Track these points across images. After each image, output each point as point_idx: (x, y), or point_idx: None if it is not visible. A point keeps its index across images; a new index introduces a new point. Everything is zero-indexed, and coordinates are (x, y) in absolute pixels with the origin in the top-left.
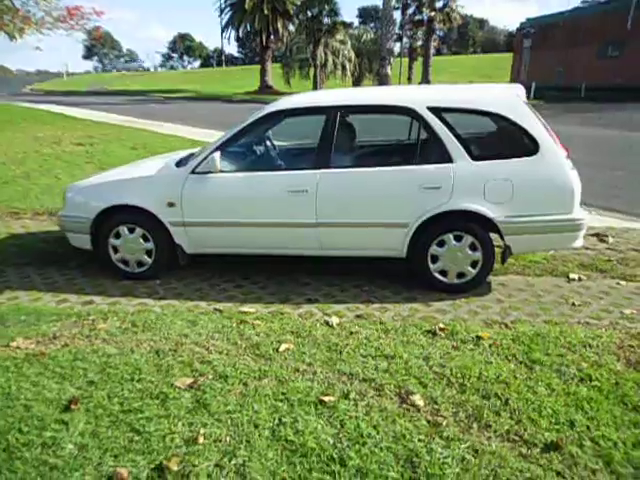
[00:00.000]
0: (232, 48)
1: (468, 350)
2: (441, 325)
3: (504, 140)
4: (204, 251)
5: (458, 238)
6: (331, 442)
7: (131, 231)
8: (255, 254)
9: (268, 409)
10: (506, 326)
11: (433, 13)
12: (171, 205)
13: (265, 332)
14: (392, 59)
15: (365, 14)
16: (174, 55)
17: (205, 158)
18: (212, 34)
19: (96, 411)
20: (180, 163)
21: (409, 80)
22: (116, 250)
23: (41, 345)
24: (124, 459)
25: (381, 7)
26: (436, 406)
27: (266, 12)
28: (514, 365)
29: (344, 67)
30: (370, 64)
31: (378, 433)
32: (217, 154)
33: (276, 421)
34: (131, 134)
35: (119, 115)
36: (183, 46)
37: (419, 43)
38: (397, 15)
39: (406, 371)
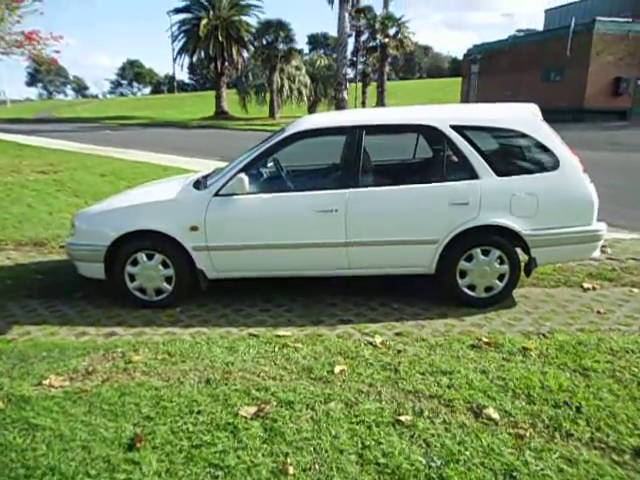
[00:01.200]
0: (183, 75)
1: (520, 362)
2: (484, 339)
3: (526, 156)
4: (227, 276)
5: (485, 252)
6: (424, 462)
7: (150, 257)
8: (279, 276)
9: (346, 433)
10: (544, 336)
11: (387, 40)
12: (194, 229)
13: (311, 355)
14: (348, 84)
15: (314, 41)
16: (123, 82)
17: (229, 180)
18: (162, 61)
19: (164, 448)
20: (198, 186)
21: (363, 104)
22: (133, 278)
23: (76, 381)
24: None
25: (336, 34)
26: (512, 418)
27: (221, 39)
28: (569, 374)
29: (300, 92)
30: (325, 89)
31: (467, 449)
32: (243, 175)
33: (359, 445)
34: (95, 161)
35: (75, 142)
36: (132, 72)
37: (369, 69)
38: (350, 42)
39: (469, 385)
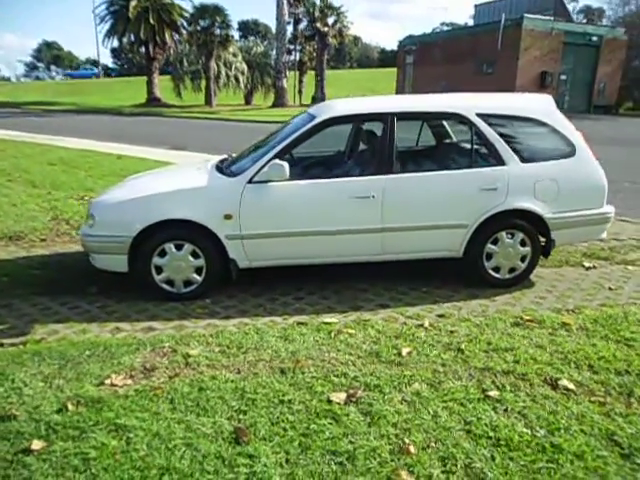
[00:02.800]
0: (106, 59)
1: (566, 336)
2: (524, 317)
3: (546, 144)
4: (259, 265)
5: (510, 235)
6: (529, 433)
7: (178, 248)
8: (311, 264)
9: (444, 411)
10: (573, 312)
11: (326, 28)
12: (228, 217)
13: (369, 339)
14: (287, 72)
15: (245, 28)
16: (40, 65)
17: (263, 167)
18: (81, 43)
19: (273, 439)
20: (223, 172)
21: (300, 93)
22: (159, 270)
23: (139, 379)
24: None
25: (267, 22)
26: (586, 388)
27: (152, 22)
28: (615, 345)
29: (237, 79)
30: (262, 77)
31: (561, 418)
32: (283, 162)
33: (462, 421)
34: (36, 149)
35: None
36: (50, 55)
37: (306, 57)
38: (289, 29)
39: (534, 360)
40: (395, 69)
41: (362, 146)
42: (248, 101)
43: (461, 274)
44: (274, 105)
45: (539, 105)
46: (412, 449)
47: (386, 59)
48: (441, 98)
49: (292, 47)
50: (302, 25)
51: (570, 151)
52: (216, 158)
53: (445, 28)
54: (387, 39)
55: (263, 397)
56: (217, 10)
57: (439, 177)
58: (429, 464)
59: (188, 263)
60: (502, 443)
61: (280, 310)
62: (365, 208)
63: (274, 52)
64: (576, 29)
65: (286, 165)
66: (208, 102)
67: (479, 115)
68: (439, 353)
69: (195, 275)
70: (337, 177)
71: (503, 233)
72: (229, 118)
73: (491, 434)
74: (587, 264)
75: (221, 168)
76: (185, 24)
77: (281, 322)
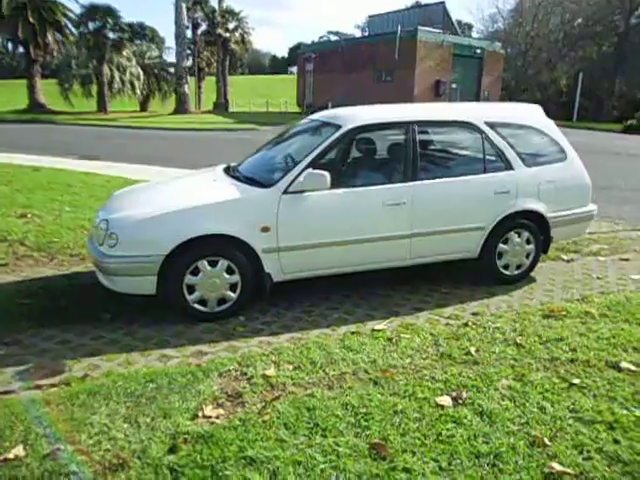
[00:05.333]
0: None
1: (595, 323)
2: (551, 308)
3: (543, 149)
4: (294, 277)
5: (517, 234)
6: (628, 413)
7: (213, 264)
8: (342, 273)
9: (546, 401)
10: (584, 301)
11: (228, 34)
12: (265, 230)
13: (429, 342)
14: (188, 78)
15: (131, 31)
16: None
17: (297, 177)
18: None
19: (414, 450)
20: (250, 182)
21: (199, 99)
22: (191, 289)
23: (233, 407)
24: None
25: (159, 25)
26: None
27: (32, 20)
28: (639, 327)
29: (133, 85)
30: (158, 82)
31: (638, 395)
32: (324, 172)
33: (567, 409)
34: None
35: None
36: None
37: (204, 63)
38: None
39: (587, 347)
40: (288, 76)
41: (387, 154)
42: (144, 108)
43: (469, 273)
44: (176, 112)
45: (534, 114)
46: (546, 441)
47: (277, 66)
48: (453, 107)
49: (189, 52)
50: (201, 30)
51: (562, 156)
52: (205, 167)
53: (332, 37)
54: (276, 46)
55: (375, 410)
56: (109, 11)
57: (460, 182)
58: (568, 453)
59: (223, 280)
60: (615, 425)
61: (322, 322)
62: (396, 215)
63: (173, 57)
64: (462, 42)
65: (327, 175)
66: (102, 109)
67: (487, 123)
68: (503, 349)
69: (229, 292)
70: (370, 185)
71: (512, 233)
72: (132, 125)
73: (599, 418)
74: (565, 257)
75: (239, 178)
76: (71, 25)
77: (332, 333)
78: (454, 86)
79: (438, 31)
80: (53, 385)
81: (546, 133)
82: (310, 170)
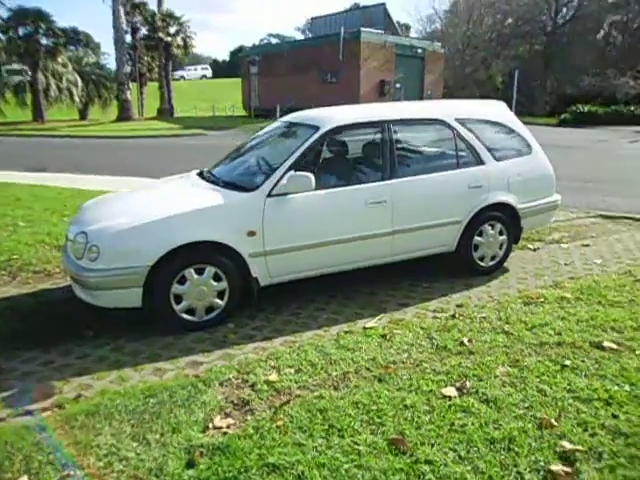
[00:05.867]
0: None
1: (571, 307)
2: (530, 295)
3: (510, 144)
4: (280, 280)
5: (491, 227)
6: (616, 388)
7: (199, 272)
8: (327, 273)
9: (544, 384)
10: (557, 286)
11: (169, 38)
12: (251, 234)
13: (422, 336)
14: (130, 84)
15: (65, 36)
16: None
17: (279, 179)
18: None
19: (431, 442)
20: (229, 186)
21: (141, 106)
22: (178, 299)
23: (243, 416)
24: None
25: (112, 30)
26: (625, 345)
27: None
28: (612, 308)
29: (70, 92)
30: (98, 89)
31: (630, 372)
32: (308, 174)
33: (565, 390)
34: None
35: None
36: None
37: (145, 68)
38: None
39: (570, 330)
40: (232, 79)
41: (365, 153)
42: (84, 116)
43: (445, 267)
44: (119, 119)
45: (500, 110)
46: (553, 422)
47: (219, 70)
48: (424, 106)
49: (129, 57)
50: (140, 34)
51: (528, 149)
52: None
53: (273, 40)
54: (217, 50)
55: (385, 406)
56: (40, 15)
57: (436, 179)
58: (575, 431)
59: (211, 288)
60: (611, 402)
61: (313, 323)
62: (378, 213)
63: (110, 62)
64: (404, 42)
65: (312, 176)
66: (38, 118)
67: (458, 120)
68: (494, 337)
69: (217, 300)
70: (351, 185)
71: (486, 225)
72: (74, 135)
73: (595, 396)
74: (531, 246)
75: (217, 183)
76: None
77: (324, 334)
78: (398, 86)
79: (380, 32)
80: (45, 409)
81: (512, 128)
82: (293, 172)
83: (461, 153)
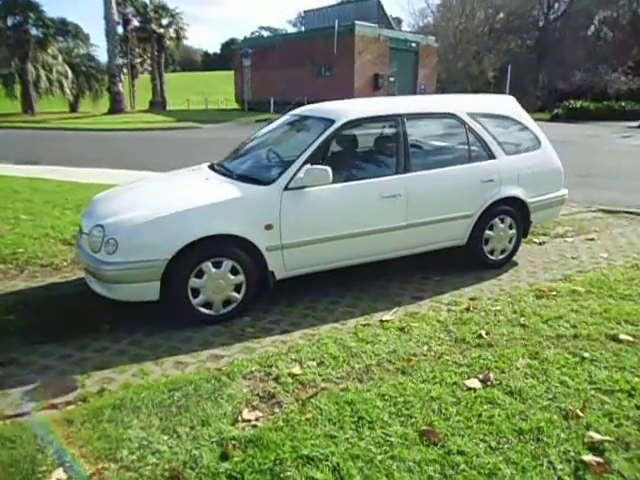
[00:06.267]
0: None
1: (584, 300)
2: (542, 289)
3: (520, 138)
4: (295, 274)
5: (501, 220)
6: (630, 379)
7: (217, 266)
8: (341, 267)
9: (565, 376)
10: (567, 280)
11: (162, 30)
12: (269, 227)
13: (440, 329)
14: (122, 76)
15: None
16: None
17: (296, 172)
18: None
19: (462, 433)
20: (244, 179)
21: (132, 98)
22: (195, 293)
23: (270, 409)
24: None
25: (104, 20)
26: None
27: None
28: (623, 301)
29: (61, 84)
30: (88, 81)
31: None
32: (326, 167)
33: (586, 382)
34: None
35: None
36: None
37: (137, 60)
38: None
39: (584, 323)
40: (224, 72)
41: (379, 147)
42: (74, 108)
43: (455, 260)
44: (111, 112)
45: (510, 104)
46: (579, 413)
47: (210, 62)
48: (435, 99)
49: (120, 49)
50: (132, 26)
51: (537, 143)
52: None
53: (264, 33)
54: (207, 43)
55: (412, 398)
56: (29, 5)
57: (449, 172)
58: (601, 422)
59: (228, 281)
60: (633, 393)
61: (329, 316)
62: (393, 206)
63: (100, 54)
64: (398, 36)
65: (329, 170)
66: (28, 110)
67: (469, 114)
68: (511, 330)
69: (234, 293)
70: (367, 178)
71: (497, 219)
72: (66, 127)
73: (617, 387)
74: (537, 240)
75: (231, 176)
76: None
77: (342, 327)
78: (392, 79)
79: (374, 25)
80: (69, 403)
81: (522, 122)
82: (309, 166)
83: (473, 147)
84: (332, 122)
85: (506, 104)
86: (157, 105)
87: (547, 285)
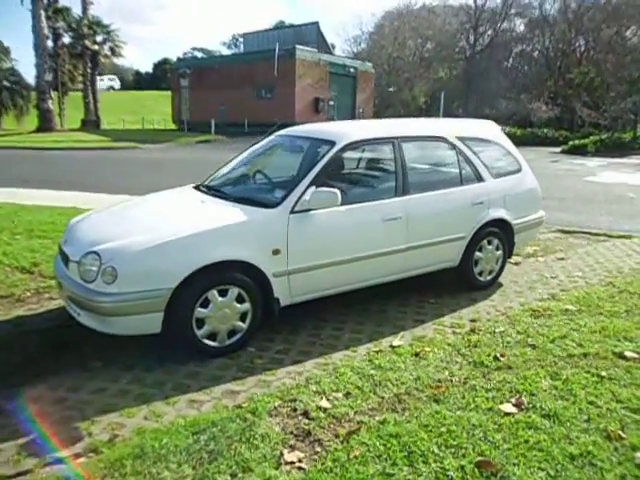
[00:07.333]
0: None
1: (578, 318)
2: (536, 309)
3: (503, 162)
4: (299, 300)
5: (489, 242)
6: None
7: (223, 294)
8: (345, 291)
9: (592, 396)
10: (554, 298)
11: (97, 47)
12: (276, 252)
13: (453, 353)
14: (52, 93)
15: None
16: None
17: (301, 195)
18: None
19: (516, 461)
20: (241, 201)
21: (61, 117)
22: (200, 323)
23: (310, 449)
24: None
25: (32, 34)
26: None
27: None
28: (615, 318)
29: None
30: (12, 97)
31: None
32: (334, 189)
33: (612, 400)
34: None
35: None
36: None
37: (66, 77)
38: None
39: (589, 341)
40: (157, 92)
41: (378, 169)
42: None
43: (443, 283)
44: (40, 130)
45: (493, 129)
46: (621, 434)
47: (142, 81)
48: (426, 123)
49: (48, 65)
50: (63, 41)
51: (519, 167)
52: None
53: (198, 54)
54: (138, 62)
55: (454, 427)
56: None
57: (444, 195)
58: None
59: (234, 310)
60: None
61: (337, 344)
62: (394, 229)
63: (24, 69)
64: (337, 61)
65: (338, 192)
66: None
67: (458, 138)
68: (523, 351)
69: (240, 322)
70: (368, 201)
71: (485, 241)
72: None
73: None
74: (512, 261)
75: (228, 198)
76: None
77: (354, 355)
78: (332, 103)
79: (314, 50)
80: (78, 455)
81: (505, 147)
82: (314, 188)
83: (463, 170)
84: (333, 144)
85: (489, 129)
86: (90, 124)
87: (539, 305)
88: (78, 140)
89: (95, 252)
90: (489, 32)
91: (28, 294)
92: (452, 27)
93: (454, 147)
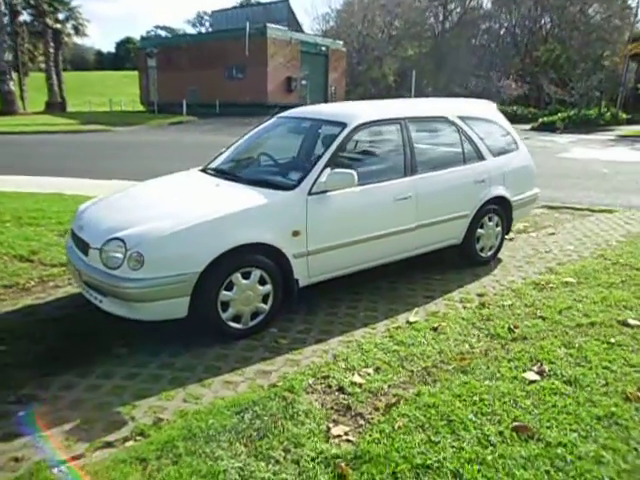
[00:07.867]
0: None
1: (579, 290)
2: (537, 281)
3: (501, 140)
4: (317, 280)
5: (489, 219)
6: None
7: (246, 276)
8: (360, 270)
9: (607, 362)
10: (552, 271)
11: (59, 25)
12: (296, 234)
13: (470, 326)
14: (12, 74)
15: None
16: None
17: (317, 177)
18: None
19: (549, 424)
20: (255, 183)
21: (22, 99)
22: (225, 306)
23: (355, 422)
24: None
25: None
26: None
27: None
28: (612, 289)
29: None
30: None
31: None
32: (351, 171)
33: (628, 365)
34: None
35: None
36: None
37: (26, 57)
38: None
39: (593, 312)
40: (121, 72)
41: (387, 150)
42: None
43: (446, 259)
44: (1, 113)
45: (491, 109)
46: (639, 395)
47: (104, 61)
48: (429, 103)
49: (7, 44)
50: (21, 19)
51: (515, 146)
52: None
53: (162, 32)
54: (99, 41)
55: (486, 396)
56: None
57: (450, 174)
58: None
59: (257, 292)
60: None
61: (355, 321)
62: (405, 208)
63: None
64: (309, 39)
65: (355, 173)
66: None
67: (460, 118)
68: (534, 322)
69: (262, 304)
70: (380, 181)
71: (486, 218)
72: None
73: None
74: (506, 237)
75: (241, 181)
76: None
77: (374, 331)
78: (304, 82)
79: (285, 28)
80: (126, 439)
81: (502, 125)
82: (330, 169)
83: (466, 149)
84: (344, 125)
85: (488, 108)
86: (55, 106)
87: (540, 278)
88: (45, 123)
89: (119, 238)
90: (458, 10)
91: (32, 283)
92: (421, 5)
93: (456, 126)
